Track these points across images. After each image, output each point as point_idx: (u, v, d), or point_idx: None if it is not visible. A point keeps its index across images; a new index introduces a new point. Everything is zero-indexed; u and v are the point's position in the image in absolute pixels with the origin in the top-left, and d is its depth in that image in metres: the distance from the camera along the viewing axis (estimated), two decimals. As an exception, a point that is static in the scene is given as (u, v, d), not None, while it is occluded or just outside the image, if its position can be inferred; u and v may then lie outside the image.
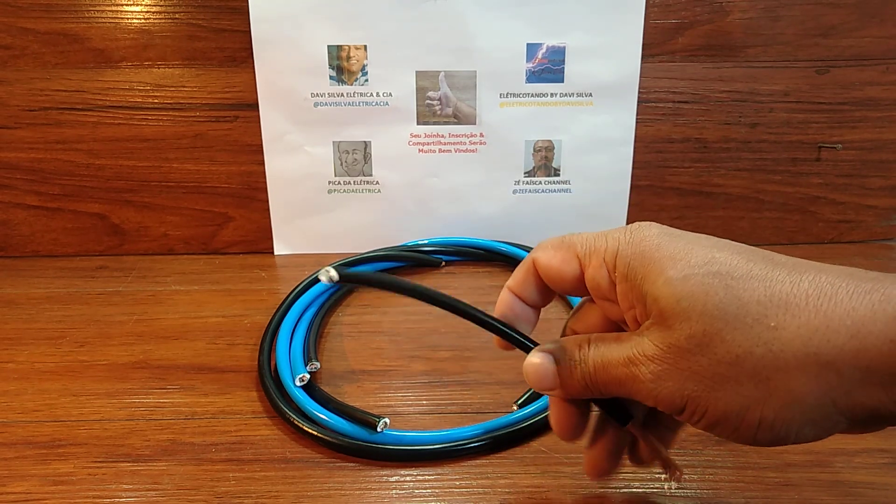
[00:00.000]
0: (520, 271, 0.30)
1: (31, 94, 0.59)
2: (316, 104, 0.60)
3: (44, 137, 0.60)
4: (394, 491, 0.35)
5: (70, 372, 0.46)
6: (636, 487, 0.35)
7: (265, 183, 0.62)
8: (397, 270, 0.61)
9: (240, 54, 0.59)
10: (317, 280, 0.54)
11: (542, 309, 0.31)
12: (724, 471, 0.36)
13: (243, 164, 0.62)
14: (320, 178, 0.62)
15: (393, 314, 0.53)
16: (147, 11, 0.57)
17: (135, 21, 0.58)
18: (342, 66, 0.59)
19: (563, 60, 0.59)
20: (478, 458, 0.38)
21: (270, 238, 0.64)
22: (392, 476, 0.36)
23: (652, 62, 0.60)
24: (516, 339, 0.30)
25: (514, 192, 0.63)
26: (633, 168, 0.63)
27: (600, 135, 0.62)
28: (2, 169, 0.61)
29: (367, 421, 0.38)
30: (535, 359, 0.28)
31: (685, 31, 0.59)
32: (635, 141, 0.62)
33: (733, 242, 0.25)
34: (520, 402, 0.41)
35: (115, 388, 0.44)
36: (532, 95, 0.60)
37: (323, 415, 0.40)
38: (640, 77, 0.60)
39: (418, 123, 0.61)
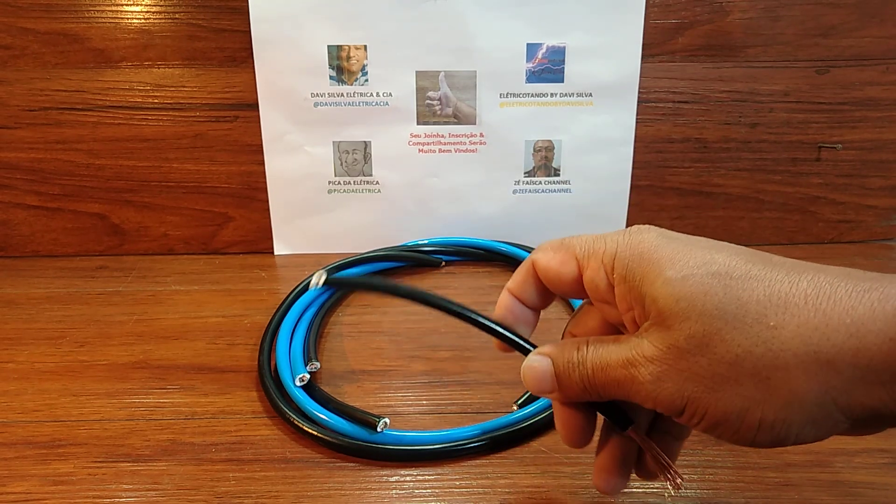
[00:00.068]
0: (520, 273, 0.30)
1: (31, 94, 0.59)
2: (316, 104, 0.60)
3: (44, 137, 0.60)
4: (394, 491, 0.35)
5: (70, 372, 0.46)
6: (636, 488, 0.35)
7: (265, 183, 0.62)
8: (397, 270, 0.61)
9: (240, 54, 0.59)
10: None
11: (543, 310, 0.31)
12: (724, 471, 0.36)
13: (243, 164, 0.62)
14: (320, 178, 0.62)
15: (393, 314, 0.53)
16: (147, 11, 0.57)
17: (135, 21, 0.58)
18: (342, 66, 0.59)
19: (563, 60, 0.59)
20: (478, 458, 0.38)
21: (270, 238, 0.64)
22: (392, 476, 0.36)
23: (652, 62, 0.60)
24: (510, 340, 0.30)
25: (514, 192, 0.63)
26: (633, 168, 0.63)
27: (600, 135, 0.62)
28: (2, 169, 0.61)
29: (367, 421, 0.38)
30: (533, 361, 0.28)
31: (685, 31, 0.59)
32: (635, 141, 0.62)
33: (731, 244, 0.25)
34: (520, 402, 0.41)
35: (115, 388, 0.44)
36: (532, 95, 0.60)
37: (323, 415, 0.40)
38: (640, 77, 0.60)
39: (418, 123, 0.61)
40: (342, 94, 0.60)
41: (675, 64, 0.60)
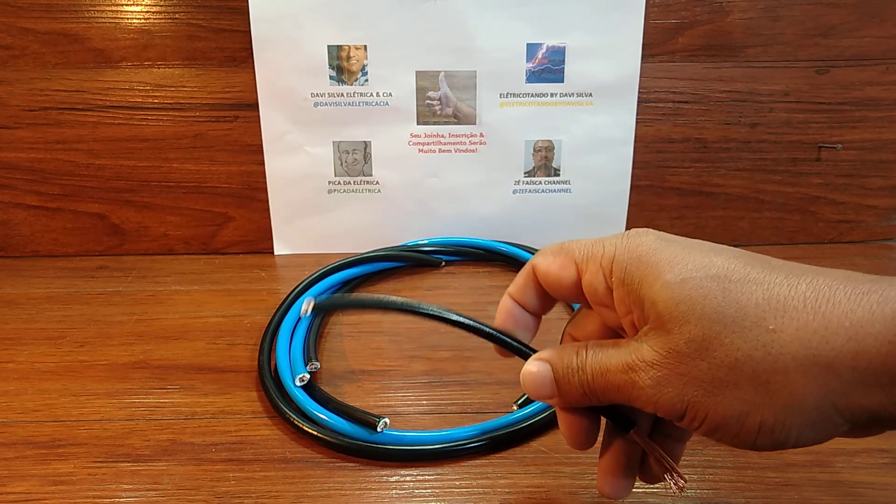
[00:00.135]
0: (520, 278, 0.30)
1: (31, 94, 0.59)
2: (316, 104, 0.60)
3: (44, 137, 0.60)
4: (394, 491, 0.35)
5: (70, 372, 0.46)
6: (636, 488, 0.35)
7: (265, 183, 0.62)
8: (397, 270, 0.61)
9: (240, 54, 0.59)
10: (317, 280, 0.54)
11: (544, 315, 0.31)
12: (724, 471, 0.36)
13: (243, 164, 0.62)
14: (320, 178, 0.62)
15: (393, 314, 0.53)
16: (147, 11, 0.57)
17: (135, 21, 0.58)
18: (342, 66, 0.59)
19: (563, 60, 0.59)
20: (478, 458, 0.38)
21: (270, 238, 0.64)
22: (392, 476, 0.36)
23: (652, 62, 0.60)
24: (508, 345, 0.30)
25: (514, 192, 0.63)
26: (633, 168, 0.63)
27: (600, 135, 0.62)
28: (2, 169, 0.61)
29: (367, 421, 0.38)
30: (531, 367, 0.28)
31: (685, 31, 0.59)
32: (635, 141, 0.62)
33: (730, 247, 0.25)
34: (520, 402, 0.41)
35: (115, 388, 0.44)
36: (532, 95, 0.60)
37: (323, 415, 0.40)
38: (640, 77, 0.60)
39: (418, 123, 0.61)
40: (342, 94, 0.60)
41: (675, 64, 0.60)
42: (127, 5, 0.57)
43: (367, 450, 0.38)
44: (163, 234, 0.63)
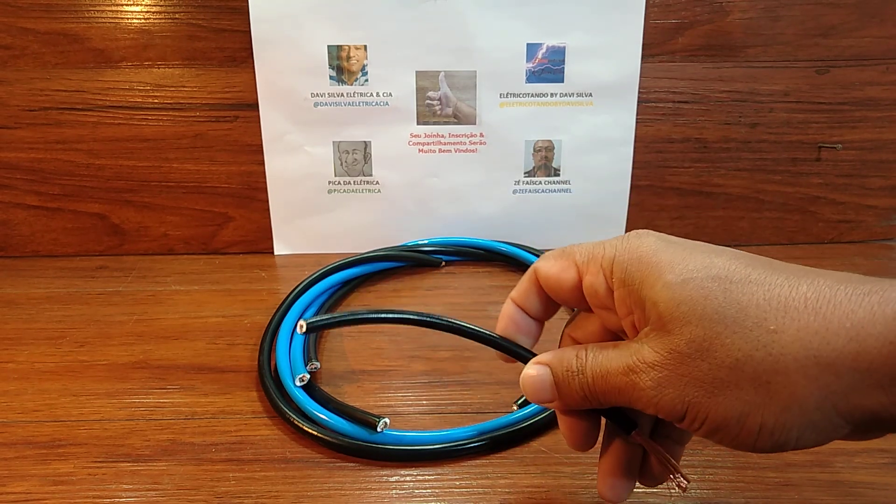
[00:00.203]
0: (523, 282, 0.30)
1: (31, 94, 0.59)
2: (316, 104, 0.60)
3: (44, 137, 0.60)
4: (394, 491, 0.35)
5: (70, 372, 0.46)
6: (637, 488, 0.35)
7: (265, 183, 0.62)
8: (397, 270, 0.61)
9: (240, 54, 0.59)
10: (317, 280, 0.54)
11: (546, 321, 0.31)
12: (724, 471, 0.36)
13: (243, 164, 0.62)
14: (320, 178, 0.62)
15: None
16: (147, 11, 0.57)
17: (135, 21, 0.58)
18: (342, 66, 0.59)
19: (563, 60, 0.59)
20: (478, 458, 0.38)
21: (270, 238, 0.64)
22: (392, 476, 0.36)
23: (652, 62, 0.60)
24: (507, 349, 0.30)
25: (514, 192, 0.63)
26: (633, 168, 0.63)
27: (600, 135, 0.62)
28: (2, 169, 0.61)
29: (367, 421, 0.38)
30: (531, 371, 0.28)
31: (685, 31, 0.59)
32: (635, 141, 0.62)
33: (730, 248, 0.25)
34: (520, 402, 0.41)
35: (115, 388, 0.44)
36: (532, 95, 0.60)
37: (323, 415, 0.40)
38: (640, 77, 0.60)
39: (418, 123, 0.61)
40: (342, 94, 0.60)
41: (675, 64, 0.60)
42: (127, 5, 0.57)
43: (367, 450, 0.38)
44: (163, 234, 0.63)
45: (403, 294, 0.57)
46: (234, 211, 0.63)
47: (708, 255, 0.25)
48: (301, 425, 0.39)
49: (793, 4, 0.59)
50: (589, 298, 0.28)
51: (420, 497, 0.35)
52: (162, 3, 0.57)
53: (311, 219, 0.63)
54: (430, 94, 0.60)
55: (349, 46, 0.58)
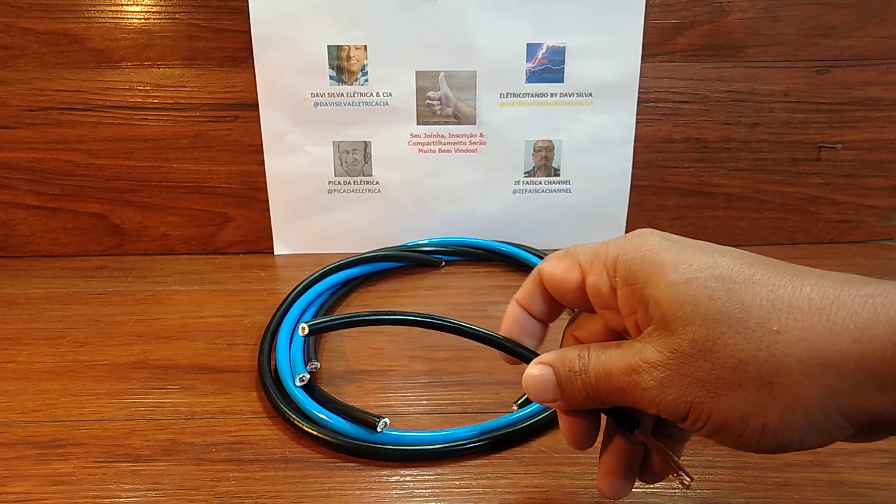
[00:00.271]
0: (527, 284, 0.30)
1: (31, 94, 0.59)
2: (316, 104, 0.60)
3: (44, 137, 0.60)
4: (394, 491, 0.35)
5: (70, 372, 0.46)
6: (636, 488, 0.35)
7: (265, 183, 0.62)
8: (397, 270, 0.61)
9: (240, 54, 0.59)
10: (317, 280, 0.54)
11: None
12: (724, 471, 0.36)
13: (243, 164, 0.62)
14: (320, 178, 0.62)
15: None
16: (147, 11, 0.57)
17: (135, 21, 0.58)
18: (342, 66, 0.59)
19: (563, 60, 0.59)
20: (478, 458, 0.38)
21: (270, 238, 0.64)
22: (392, 476, 0.36)
23: (652, 62, 0.60)
24: (508, 349, 0.30)
25: (514, 192, 0.63)
26: (633, 168, 0.63)
27: (600, 135, 0.62)
28: (2, 169, 0.61)
29: (367, 421, 0.38)
30: (533, 370, 0.28)
31: (685, 31, 0.59)
32: (635, 141, 0.62)
33: (734, 248, 0.25)
34: (520, 402, 0.41)
35: (115, 388, 0.44)
36: (532, 95, 0.60)
37: (323, 415, 0.40)
38: (640, 77, 0.60)
39: (418, 123, 0.61)
40: (342, 94, 0.60)
41: (675, 64, 0.60)
42: (127, 5, 0.57)
43: (367, 450, 0.38)
44: (163, 234, 0.63)
45: (403, 294, 0.57)
46: (234, 211, 0.63)
47: (712, 254, 0.25)
48: (301, 425, 0.39)
49: (793, 4, 0.59)
50: (592, 298, 0.28)
51: (420, 497, 0.35)
52: (162, 3, 0.57)
53: (311, 219, 0.63)
54: (430, 94, 0.60)
55: (349, 46, 0.58)
